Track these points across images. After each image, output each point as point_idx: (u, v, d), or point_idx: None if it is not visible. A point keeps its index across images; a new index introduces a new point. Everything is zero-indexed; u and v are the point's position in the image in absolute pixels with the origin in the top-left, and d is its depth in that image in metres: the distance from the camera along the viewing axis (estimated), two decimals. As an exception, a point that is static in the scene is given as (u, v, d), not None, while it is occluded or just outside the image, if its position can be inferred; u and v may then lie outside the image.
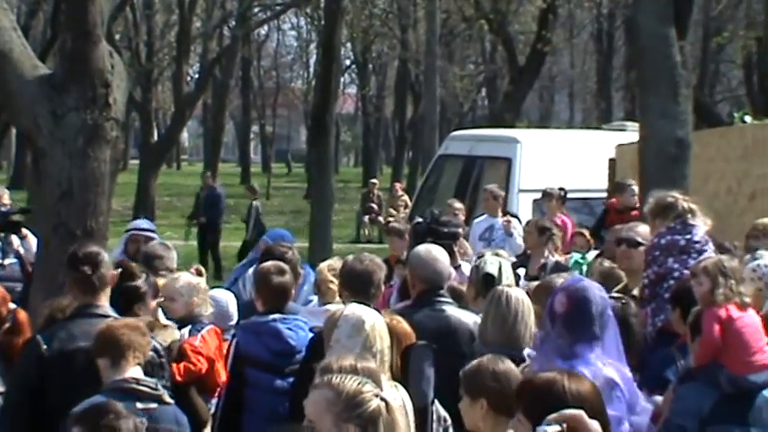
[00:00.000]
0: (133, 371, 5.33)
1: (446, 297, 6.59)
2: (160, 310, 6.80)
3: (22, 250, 10.08)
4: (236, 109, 61.25)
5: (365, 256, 6.65)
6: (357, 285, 6.34)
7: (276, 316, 6.60)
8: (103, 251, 5.92)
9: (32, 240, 9.38)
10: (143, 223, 10.28)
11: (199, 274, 7.65)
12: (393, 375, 5.31)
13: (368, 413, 3.62)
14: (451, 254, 7.86)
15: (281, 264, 6.90)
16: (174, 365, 6.40)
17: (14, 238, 10.14)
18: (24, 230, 10.04)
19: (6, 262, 10.08)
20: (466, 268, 8.46)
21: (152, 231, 9.64)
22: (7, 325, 6.10)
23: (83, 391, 5.31)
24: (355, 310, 5.11)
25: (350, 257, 6.64)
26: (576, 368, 5.13)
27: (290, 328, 6.54)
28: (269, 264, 6.95)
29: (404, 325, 5.59)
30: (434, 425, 5.40)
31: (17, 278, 9.99)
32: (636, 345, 6.23)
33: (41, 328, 5.92)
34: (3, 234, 10.14)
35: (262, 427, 6.16)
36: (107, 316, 5.74)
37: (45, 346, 5.60)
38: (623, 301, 6.43)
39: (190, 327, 6.79)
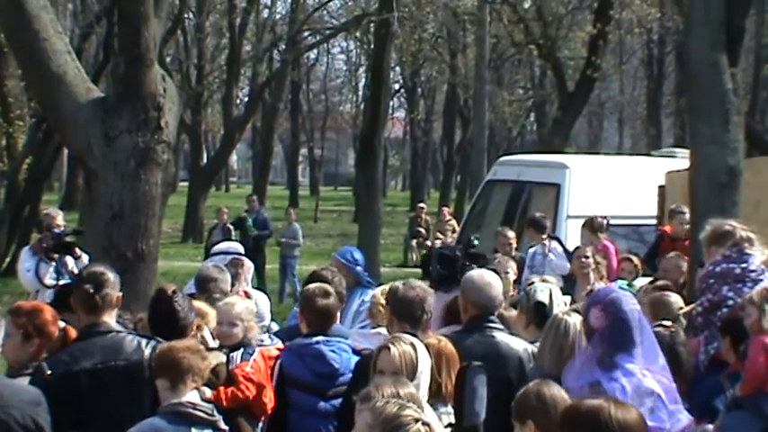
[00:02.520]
0: (191, 395, 5.36)
1: (497, 323, 6.59)
2: (207, 332, 6.82)
3: (76, 271, 10.13)
4: (284, 132, 61.52)
5: (415, 283, 6.64)
6: (406, 312, 6.33)
7: (320, 338, 6.62)
8: (109, 272, 5.92)
9: (86, 261, 9.42)
10: (234, 246, 10.09)
11: (248, 296, 7.68)
12: (442, 396, 5.33)
13: None
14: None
15: (326, 286, 6.91)
16: (222, 390, 6.41)
17: (69, 259, 10.19)
18: (78, 251, 10.09)
19: (61, 283, 10.12)
20: None
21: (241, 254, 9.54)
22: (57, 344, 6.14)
23: (90, 410, 5.40)
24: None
25: (398, 283, 6.64)
26: (617, 378, 5.18)
27: (333, 351, 6.55)
28: (313, 286, 6.96)
29: (450, 346, 5.62)
30: None
31: (72, 300, 10.06)
32: (684, 373, 6.21)
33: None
34: (57, 255, 10.20)
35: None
36: (110, 331, 5.79)
37: (49, 372, 5.66)
38: (672, 329, 6.40)
39: (242, 351, 6.76)
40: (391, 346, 5.23)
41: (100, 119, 7.48)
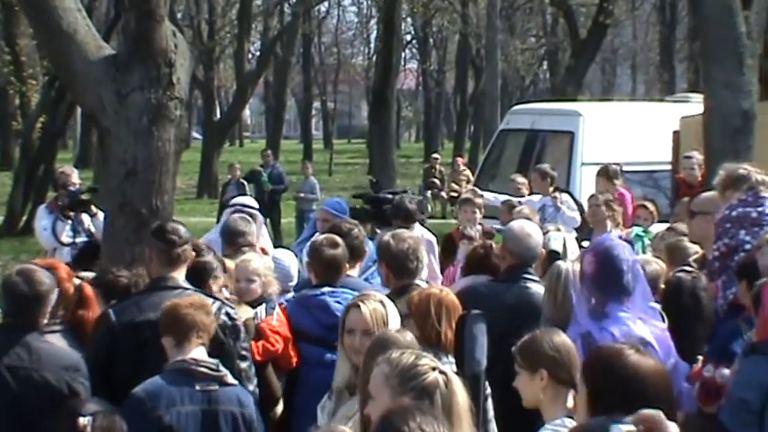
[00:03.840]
0: (196, 351, 5.29)
1: (533, 275, 6.62)
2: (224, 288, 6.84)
3: (93, 228, 10.17)
4: (297, 86, 61.40)
5: (404, 234, 6.66)
6: (400, 264, 6.35)
7: (325, 289, 6.61)
8: (183, 229, 6.00)
9: (102, 218, 9.40)
10: (247, 200, 10.13)
11: (264, 253, 7.68)
12: (442, 346, 5.34)
13: (423, 385, 3.63)
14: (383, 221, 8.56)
15: (335, 236, 6.89)
16: (254, 344, 6.40)
17: (85, 217, 10.24)
18: (94, 208, 10.13)
19: (78, 240, 10.16)
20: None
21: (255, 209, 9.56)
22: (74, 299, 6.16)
23: (150, 363, 5.39)
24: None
25: (387, 237, 6.63)
26: (607, 328, 5.27)
27: (338, 302, 6.51)
28: (322, 236, 6.96)
29: (451, 296, 5.63)
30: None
31: (89, 256, 10.08)
32: (706, 318, 6.22)
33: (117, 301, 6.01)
34: (73, 213, 10.24)
35: (313, 401, 6.22)
36: (178, 287, 5.80)
37: (114, 319, 5.70)
38: (693, 274, 6.40)
39: (265, 305, 6.77)
40: (361, 304, 5.22)
41: (111, 76, 7.45)
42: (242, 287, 6.89)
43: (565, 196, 12.28)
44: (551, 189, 12.33)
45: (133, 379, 5.36)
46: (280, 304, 6.90)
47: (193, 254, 6.06)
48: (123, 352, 5.60)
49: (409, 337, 4.72)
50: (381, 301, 5.24)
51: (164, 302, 5.56)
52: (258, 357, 6.36)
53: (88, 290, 5.96)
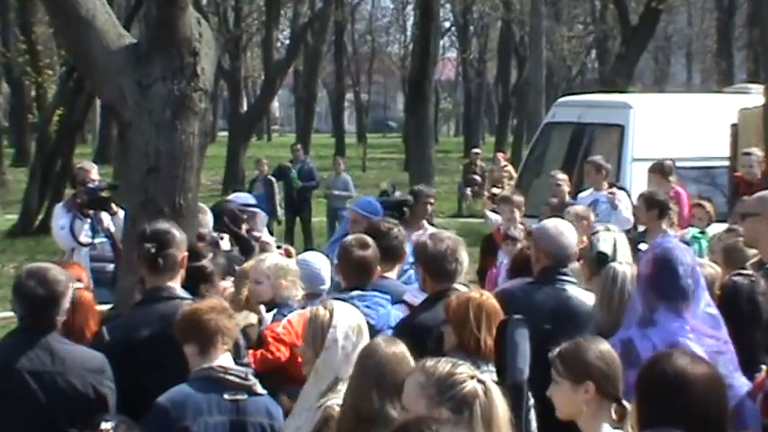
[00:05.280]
0: (222, 358, 5.28)
1: (570, 276, 6.61)
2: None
3: (112, 228, 10.20)
4: (328, 76, 61.48)
5: (442, 234, 6.65)
6: (439, 267, 6.34)
7: (355, 293, 6.61)
8: (175, 230, 5.92)
9: (122, 217, 9.42)
10: (245, 197, 10.28)
11: (288, 255, 7.70)
12: (482, 354, 5.33)
13: (461, 395, 3.62)
14: (402, 221, 8.64)
15: (365, 237, 6.91)
16: (251, 352, 6.39)
17: (104, 216, 10.26)
18: (115, 207, 10.14)
19: (97, 241, 10.18)
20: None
21: (255, 206, 9.71)
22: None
23: (147, 384, 5.37)
24: (346, 310, 5.12)
25: (425, 238, 6.62)
26: (650, 336, 5.20)
27: (368, 306, 6.53)
28: (351, 237, 6.97)
29: (492, 301, 5.62)
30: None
31: (108, 258, 10.11)
32: (765, 324, 6.18)
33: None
34: (92, 211, 10.25)
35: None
36: (173, 298, 5.76)
37: (108, 338, 5.69)
38: (751, 277, 6.37)
39: (275, 311, 6.79)
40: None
41: (132, 66, 7.48)
42: (251, 289, 6.97)
43: (622, 194, 12.17)
44: (607, 185, 12.26)
45: (129, 404, 5.36)
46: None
47: (184, 257, 5.91)
48: (116, 371, 5.45)
49: (399, 348, 4.68)
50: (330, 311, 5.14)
51: (159, 316, 5.57)
52: (254, 367, 6.23)
53: (86, 296, 5.97)
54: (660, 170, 12.05)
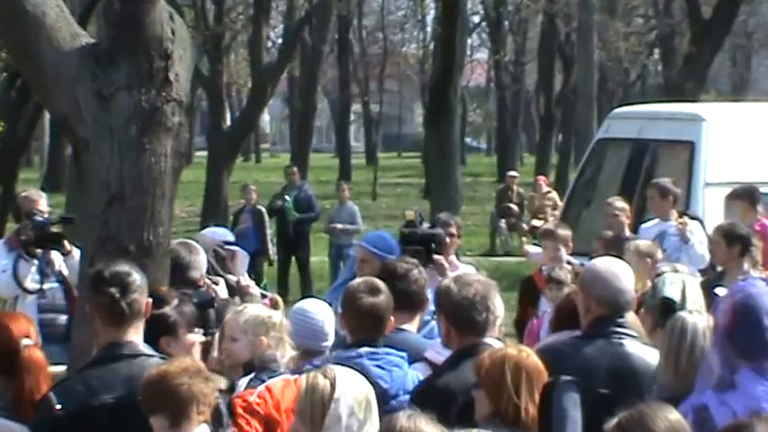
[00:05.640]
0: None
1: (628, 328, 6.62)
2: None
3: (65, 271, 10.22)
4: (331, 83, 61.68)
5: (470, 277, 6.65)
6: (465, 317, 6.35)
7: (363, 350, 6.63)
8: (135, 271, 5.97)
9: (77, 257, 9.43)
10: (222, 233, 10.34)
11: (274, 305, 7.68)
12: (522, 423, 5.32)
13: None
14: (427, 260, 8.78)
15: (375, 280, 6.94)
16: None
17: (56, 256, 10.29)
18: (68, 245, 10.18)
19: (46, 286, 10.22)
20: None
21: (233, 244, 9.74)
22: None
23: None
24: (352, 379, 5.07)
25: (448, 281, 6.63)
26: (730, 402, 5.19)
27: (380, 366, 6.56)
28: (359, 280, 7.00)
29: (533, 359, 5.64)
30: None
31: (60, 308, 10.15)
32: None
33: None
34: (40, 250, 10.28)
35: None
36: (137, 355, 5.79)
37: (59, 406, 5.68)
38: None
39: (252, 375, 6.74)
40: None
41: (90, 72, 7.52)
42: (226, 347, 6.99)
43: (695, 225, 12.15)
44: (676, 214, 12.26)
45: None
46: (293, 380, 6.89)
47: (149, 304, 5.97)
48: None
49: (426, 425, 4.66)
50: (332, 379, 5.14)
51: (121, 377, 5.58)
52: None
53: (36, 354, 5.97)
54: (749, 197, 12.04)
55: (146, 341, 5.97)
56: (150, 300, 6.02)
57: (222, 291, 8.78)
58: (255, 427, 6.49)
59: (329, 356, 6.84)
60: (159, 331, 6.25)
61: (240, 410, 6.50)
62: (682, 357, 5.91)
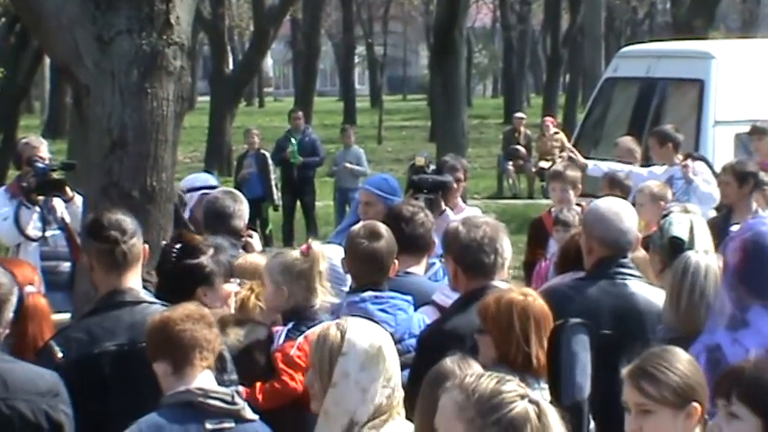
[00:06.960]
0: (201, 378, 5.26)
1: (632, 268, 6.63)
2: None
3: (67, 218, 10.22)
4: (334, 25, 61.45)
5: (478, 219, 6.63)
6: (473, 259, 6.33)
7: (367, 294, 6.64)
8: (129, 218, 5.96)
9: (80, 204, 9.43)
10: (208, 179, 10.37)
11: (308, 252, 7.57)
12: (533, 369, 5.33)
13: (508, 419, 3.62)
14: (435, 206, 8.71)
15: (376, 224, 6.92)
16: (258, 386, 6.32)
17: (58, 203, 10.28)
18: (70, 192, 10.16)
19: (49, 234, 10.21)
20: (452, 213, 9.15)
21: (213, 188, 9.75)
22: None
23: (111, 405, 5.43)
24: (364, 331, 4.92)
25: (456, 224, 6.60)
26: (742, 340, 5.20)
27: (384, 310, 6.55)
28: (359, 225, 6.98)
29: (540, 302, 5.62)
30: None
31: (63, 255, 10.15)
32: None
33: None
34: (42, 197, 10.26)
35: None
36: (140, 302, 5.80)
37: (60, 355, 5.67)
38: None
39: (290, 326, 6.55)
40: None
41: (90, 16, 7.49)
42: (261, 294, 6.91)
43: (700, 165, 12.15)
44: (681, 157, 12.24)
45: (94, 425, 5.37)
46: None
47: (146, 249, 5.95)
48: (75, 395, 5.41)
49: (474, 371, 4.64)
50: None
51: (123, 324, 5.58)
52: (261, 403, 6.15)
53: (33, 301, 5.97)
54: (761, 134, 12.02)
55: (181, 291, 5.99)
56: (147, 245, 6.01)
57: (257, 243, 8.76)
58: (300, 380, 6.29)
59: (335, 304, 6.81)
60: (195, 281, 6.26)
61: (281, 365, 6.38)
62: (683, 297, 5.91)
